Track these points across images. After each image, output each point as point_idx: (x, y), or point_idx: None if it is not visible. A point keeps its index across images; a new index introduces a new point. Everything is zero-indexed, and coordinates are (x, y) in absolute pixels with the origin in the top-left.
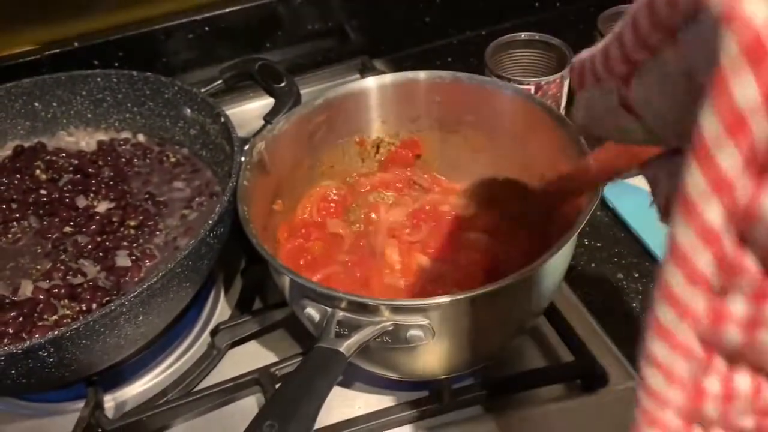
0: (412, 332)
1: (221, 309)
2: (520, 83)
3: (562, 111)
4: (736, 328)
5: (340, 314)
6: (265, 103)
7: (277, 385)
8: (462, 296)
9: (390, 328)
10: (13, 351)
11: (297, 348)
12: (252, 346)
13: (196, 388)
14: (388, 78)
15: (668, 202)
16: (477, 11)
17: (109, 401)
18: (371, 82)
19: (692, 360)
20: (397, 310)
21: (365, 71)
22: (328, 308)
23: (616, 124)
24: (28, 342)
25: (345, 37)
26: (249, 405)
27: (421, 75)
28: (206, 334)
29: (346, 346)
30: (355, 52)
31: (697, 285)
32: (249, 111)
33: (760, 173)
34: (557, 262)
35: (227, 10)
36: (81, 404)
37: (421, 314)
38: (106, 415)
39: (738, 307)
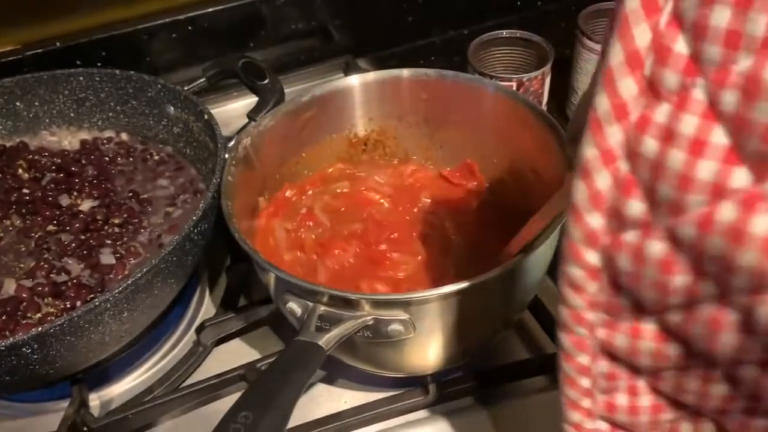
0: (393, 326)
1: (206, 306)
2: (503, 80)
3: (544, 107)
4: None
5: (322, 309)
6: (249, 101)
7: None
8: (441, 291)
9: (370, 323)
10: None
11: (282, 345)
12: (237, 343)
13: (182, 385)
14: (371, 76)
15: None
16: (459, 10)
17: (94, 400)
18: (355, 80)
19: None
20: (377, 304)
21: (349, 70)
22: (309, 303)
23: None
24: (11, 339)
25: (329, 37)
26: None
27: (405, 73)
28: (192, 331)
29: (326, 340)
30: (339, 51)
31: (597, 205)
32: (233, 110)
33: (649, 98)
34: (539, 257)
35: (210, 9)
36: (65, 403)
37: (402, 308)
38: (91, 413)
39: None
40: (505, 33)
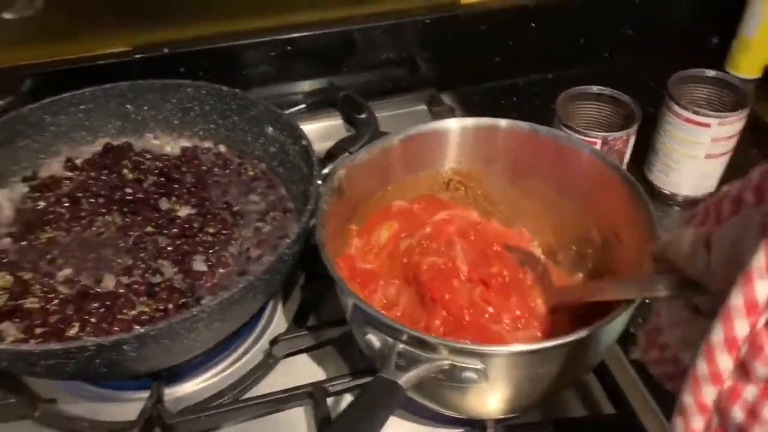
0: (467, 374)
1: (278, 319)
2: (587, 135)
3: (625, 166)
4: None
5: (401, 346)
6: (322, 126)
7: (328, 400)
8: (519, 349)
9: (446, 367)
10: (103, 342)
11: (344, 367)
12: (302, 358)
13: (251, 394)
14: (470, 122)
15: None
16: (547, 55)
17: (167, 395)
18: (453, 124)
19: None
20: (455, 351)
21: (433, 104)
22: (389, 339)
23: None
24: (116, 336)
25: (415, 68)
26: (296, 415)
27: (502, 123)
28: (262, 341)
29: (405, 379)
30: (424, 83)
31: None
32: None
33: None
34: (613, 328)
35: (309, 33)
36: (138, 394)
37: (479, 358)
38: (167, 408)
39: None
40: (594, 89)
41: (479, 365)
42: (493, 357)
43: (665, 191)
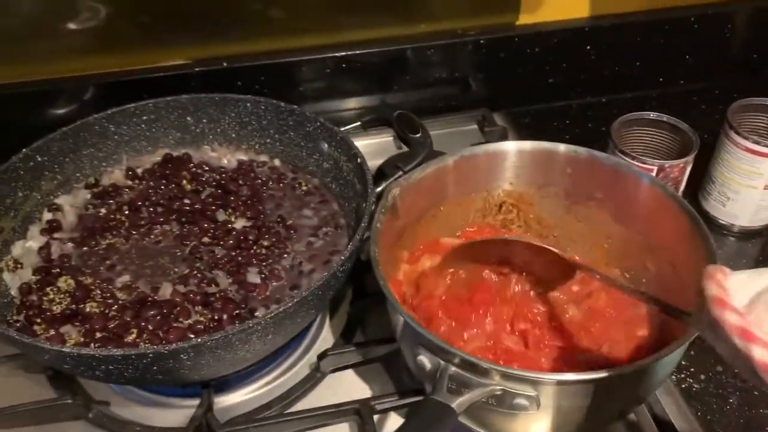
0: (519, 400)
1: (325, 334)
2: (643, 162)
3: (680, 193)
4: None
5: (452, 369)
6: (373, 142)
7: (375, 417)
8: (573, 377)
9: (498, 393)
10: (161, 350)
11: (390, 385)
12: (348, 374)
13: (297, 407)
14: (528, 145)
15: None
16: (601, 79)
17: (214, 404)
18: (510, 146)
19: None
20: (508, 377)
21: (485, 124)
22: (441, 361)
23: None
24: (175, 345)
25: (467, 88)
26: (341, 430)
27: (561, 147)
28: (309, 355)
29: (459, 403)
30: (476, 103)
31: None
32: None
33: None
34: (669, 361)
35: (363, 51)
36: (187, 401)
37: (531, 385)
38: (216, 417)
39: None
40: (652, 115)
41: (532, 392)
42: (546, 385)
43: (721, 221)
